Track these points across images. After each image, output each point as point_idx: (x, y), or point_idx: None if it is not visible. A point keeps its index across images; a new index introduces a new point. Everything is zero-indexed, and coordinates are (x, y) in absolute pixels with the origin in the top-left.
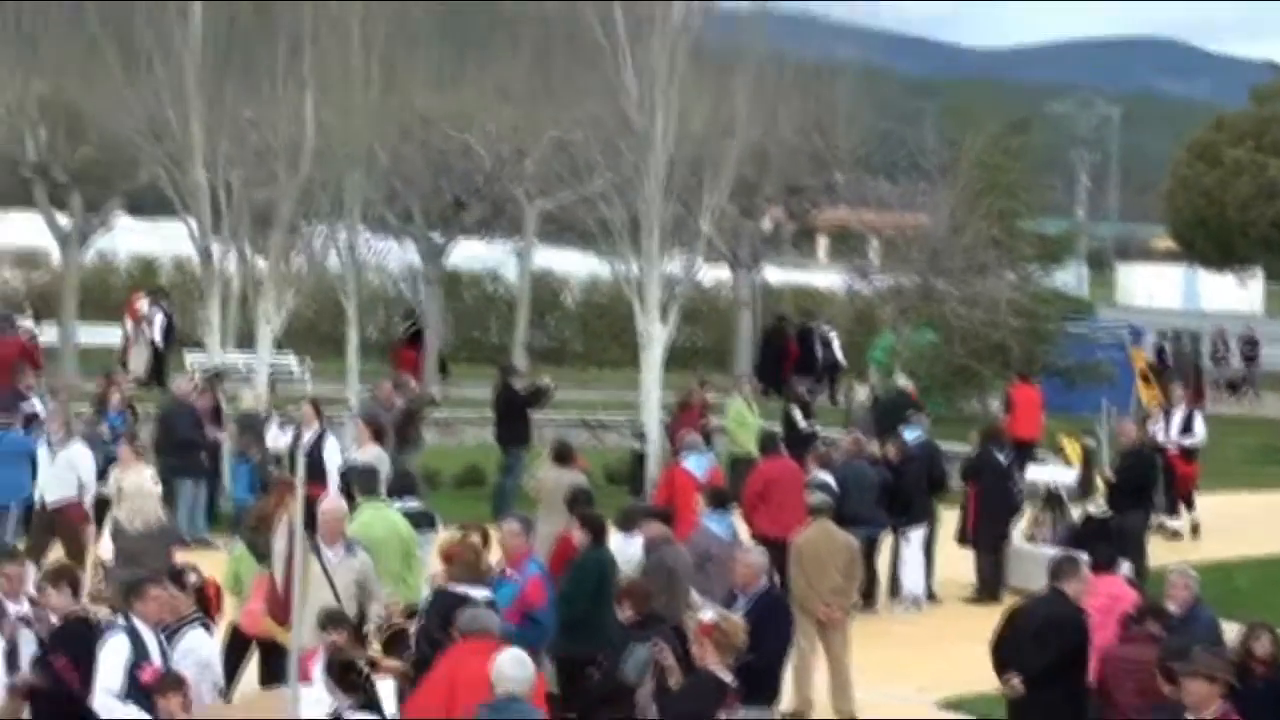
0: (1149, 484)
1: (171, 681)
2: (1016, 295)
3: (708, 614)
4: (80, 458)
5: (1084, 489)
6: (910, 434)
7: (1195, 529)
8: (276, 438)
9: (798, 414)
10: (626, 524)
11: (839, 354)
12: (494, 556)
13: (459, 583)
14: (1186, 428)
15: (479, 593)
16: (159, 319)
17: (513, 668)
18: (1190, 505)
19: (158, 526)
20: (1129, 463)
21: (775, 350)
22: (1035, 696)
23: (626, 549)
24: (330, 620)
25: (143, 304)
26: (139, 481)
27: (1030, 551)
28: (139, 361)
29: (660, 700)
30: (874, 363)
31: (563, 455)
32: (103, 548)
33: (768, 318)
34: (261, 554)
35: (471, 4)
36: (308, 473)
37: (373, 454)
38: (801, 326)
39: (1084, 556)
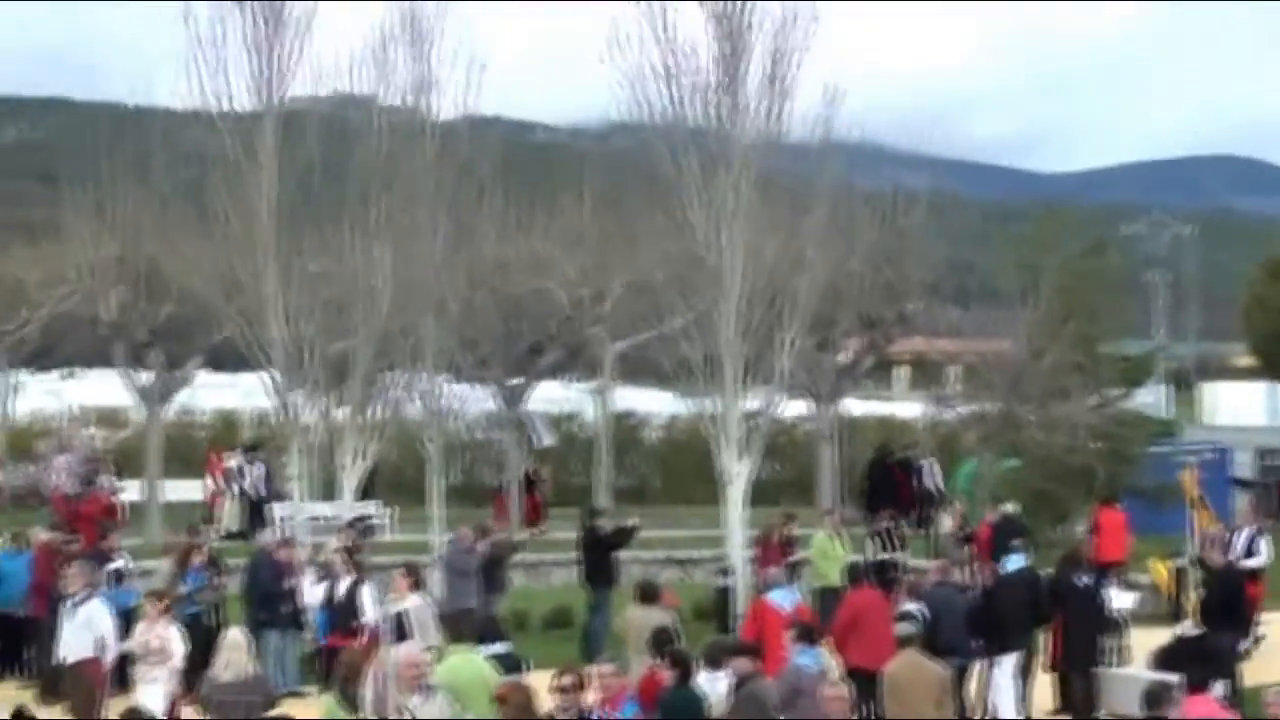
0: (1239, 603)
1: None
2: (1097, 418)
3: None
4: (99, 615)
5: (1175, 610)
6: (1011, 562)
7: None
8: (311, 591)
9: (872, 546)
10: (713, 660)
11: (931, 483)
12: (589, 697)
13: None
14: (1250, 550)
15: None
16: (259, 471)
17: None
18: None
19: (249, 677)
20: (1219, 582)
21: (881, 480)
22: None
23: (714, 686)
24: None
25: (233, 459)
26: (165, 636)
27: (1119, 674)
28: (231, 516)
29: None
30: (959, 490)
31: (648, 594)
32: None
33: (858, 450)
34: (351, 701)
35: (537, 148)
36: (343, 623)
37: (412, 603)
38: (903, 458)
39: (1175, 678)
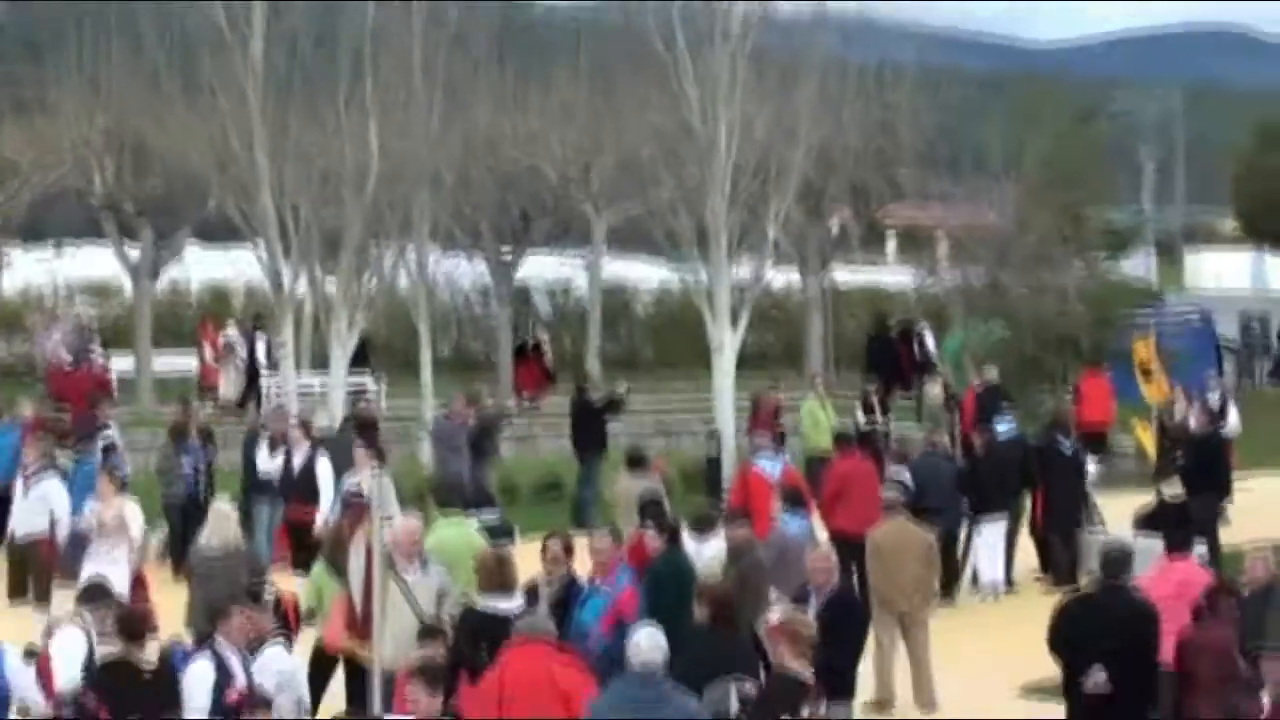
0: (1219, 467)
1: (256, 702)
2: (1083, 285)
3: (775, 614)
4: (54, 492)
5: (1159, 472)
6: (1002, 427)
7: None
8: (266, 460)
9: (859, 413)
10: (701, 527)
11: (932, 352)
12: (581, 567)
13: (486, 594)
14: (1221, 413)
15: (507, 604)
16: (260, 344)
17: (650, 643)
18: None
19: (234, 547)
20: (1198, 446)
21: (884, 352)
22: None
23: (702, 552)
24: (428, 634)
25: (231, 331)
26: (121, 513)
27: (1100, 538)
28: (230, 386)
29: (746, 710)
30: (945, 359)
31: (636, 461)
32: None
33: (846, 319)
34: (341, 572)
35: (529, 23)
36: (302, 494)
37: (371, 473)
38: (904, 327)
39: (1157, 539)
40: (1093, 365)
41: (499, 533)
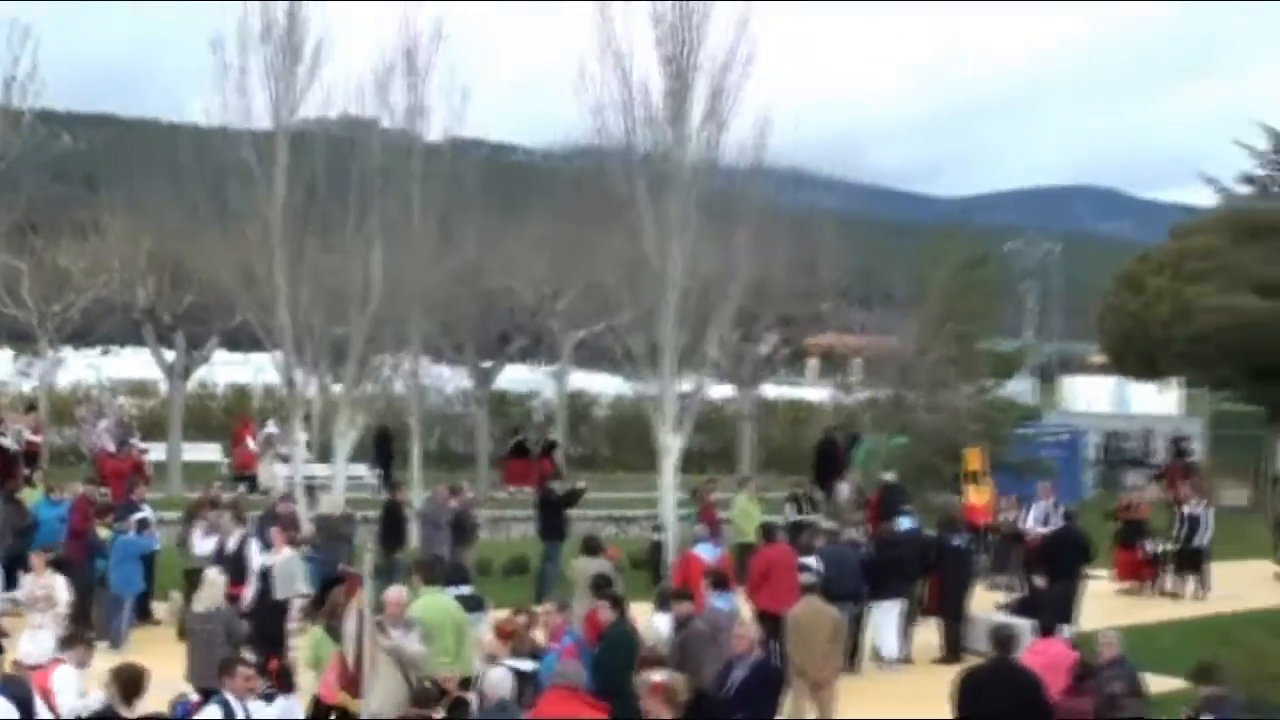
0: (1075, 560)
1: None
2: (974, 404)
3: (658, 675)
4: None
5: (1027, 565)
6: (904, 522)
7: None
8: (201, 543)
9: (788, 509)
10: (663, 602)
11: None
12: (539, 634)
13: (511, 657)
14: (1047, 520)
15: (526, 665)
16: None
17: (499, 680)
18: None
19: (218, 610)
20: (1057, 541)
21: (827, 457)
22: None
23: (663, 623)
24: (421, 699)
25: (272, 427)
26: (50, 586)
27: (983, 619)
28: (267, 474)
29: None
30: (857, 463)
31: (591, 547)
32: None
33: (773, 427)
34: (336, 634)
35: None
36: (232, 574)
37: (285, 555)
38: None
39: (1028, 623)
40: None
41: (472, 604)
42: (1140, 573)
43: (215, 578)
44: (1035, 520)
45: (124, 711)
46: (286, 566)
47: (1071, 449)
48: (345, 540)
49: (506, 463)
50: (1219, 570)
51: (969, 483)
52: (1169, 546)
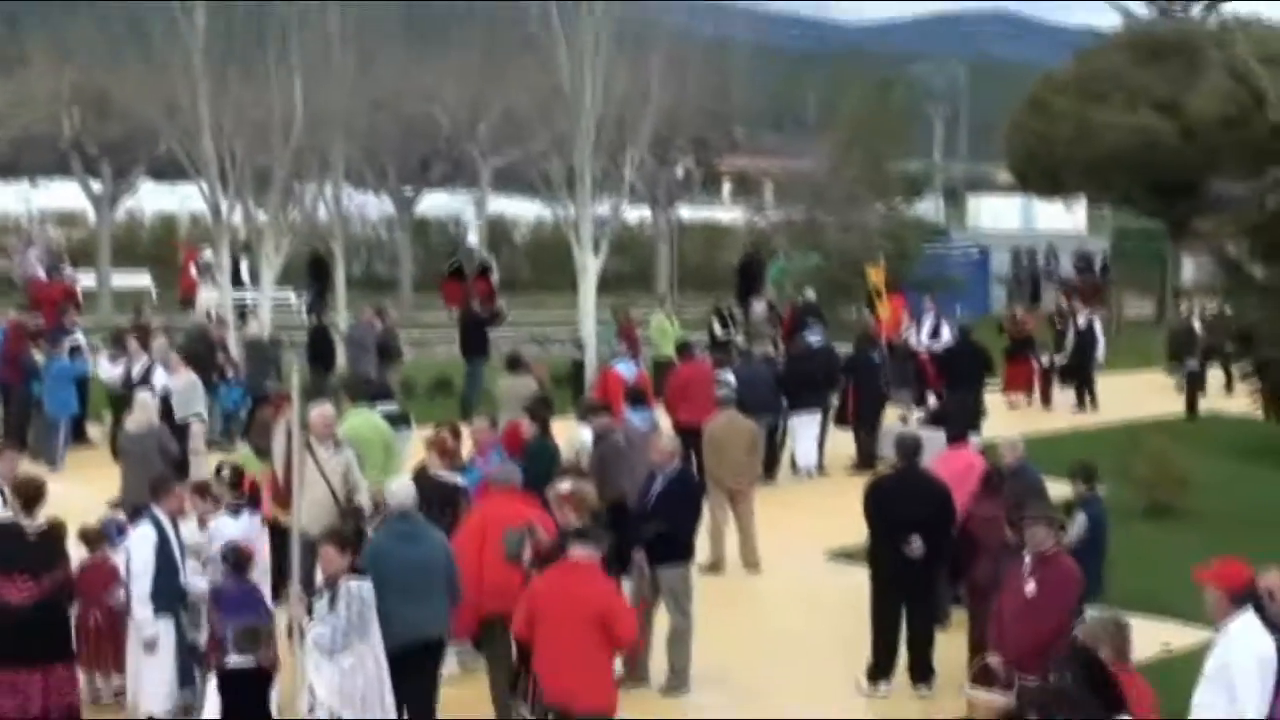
0: (975, 371)
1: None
2: (884, 223)
3: (565, 485)
4: None
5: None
6: (812, 337)
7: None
8: (108, 369)
9: (716, 325)
10: (584, 416)
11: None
12: (465, 449)
13: (439, 470)
14: (935, 333)
15: (456, 478)
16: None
17: (403, 491)
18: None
19: (150, 431)
20: (955, 354)
21: (748, 276)
22: (881, 548)
23: (585, 436)
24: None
25: (209, 253)
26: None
27: (894, 429)
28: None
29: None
30: (770, 282)
31: (514, 364)
32: None
33: (688, 248)
34: (261, 453)
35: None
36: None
37: (184, 379)
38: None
39: (939, 432)
40: (892, 291)
41: (398, 420)
42: (1028, 386)
43: (147, 399)
44: (926, 335)
45: (24, 520)
46: (185, 390)
47: (980, 266)
48: (272, 363)
49: (444, 285)
50: (1118, 380)
51: (875, 298)
52: (1059, 359)
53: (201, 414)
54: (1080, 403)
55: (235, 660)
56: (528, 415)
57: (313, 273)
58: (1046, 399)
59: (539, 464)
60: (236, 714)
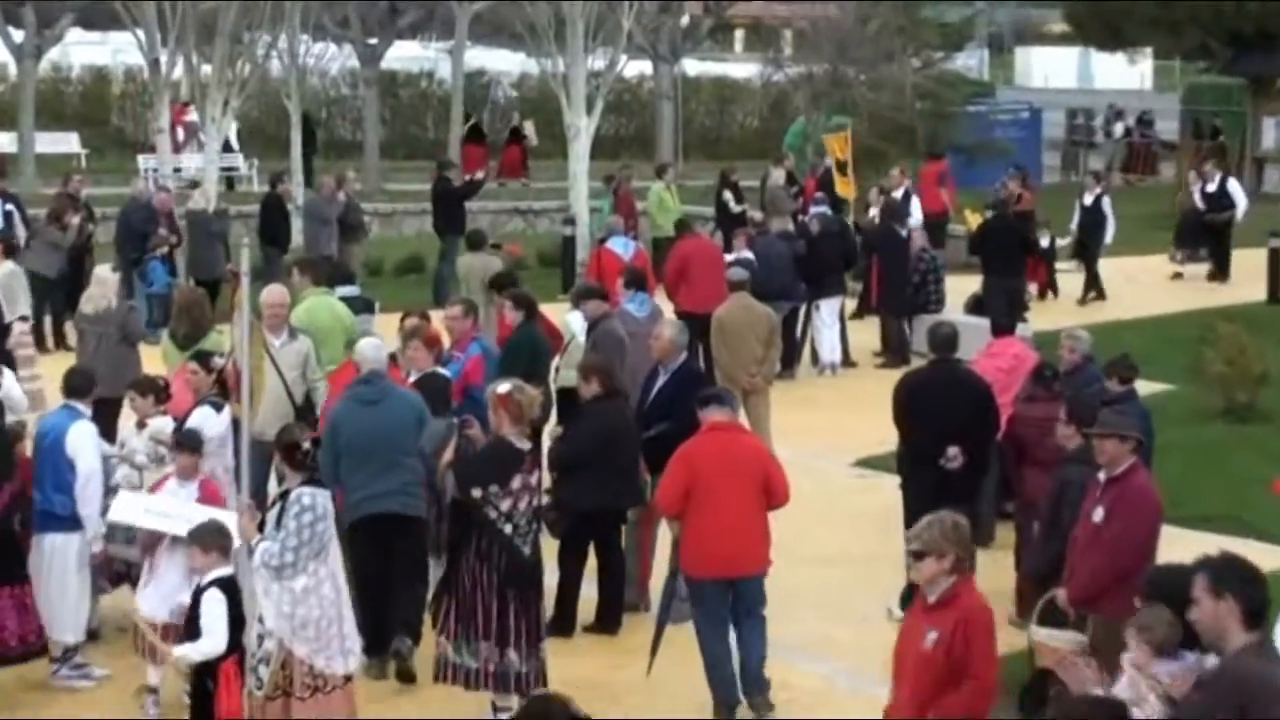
0: (1016, 251)
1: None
2: (920, 79)
3: (504, 385)
4: None
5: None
6: (816, 209)
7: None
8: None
9: (729, 196)
10: (578, 300)
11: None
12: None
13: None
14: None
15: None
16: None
17: (372, 350)
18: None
19: (109, 311)
20: (993, 232)
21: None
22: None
23: (579, 322)
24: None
25: (194, 116)
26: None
27: (932, 319)
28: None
29: (455, 467)
30: (788, 146)
31: (475, 241)
32: None
33: (695, 107)
34: (180, 343)
35: None
36: None
37: (4, 270)
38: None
39: (983, 321)
40: (930, 154)
41: (361, 305)
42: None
43: (105, 275)
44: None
45: None
46: (6, 282)
47: (1030, 128)
48: (218, 238)
49: (463, 150)
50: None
51: (837, 173)
52: (1062, 241)
53: (23, 313)
54: (1093, 289)
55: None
56: (505, 298)
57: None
58: (1044, 290)
59: (519, 356)
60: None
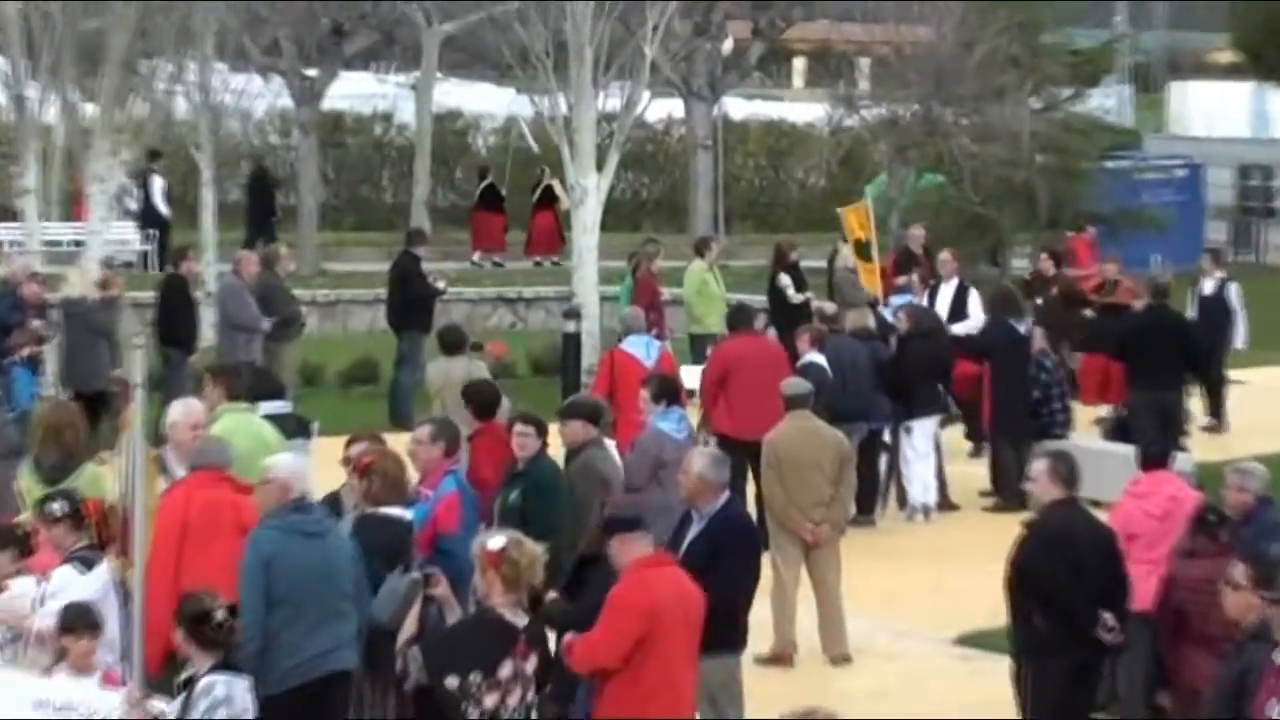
0: (1173, 356)
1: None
2: (1041, 124)
3: (496, 539)
4: None
5: None
6: (898, 300)
7: None
8: None
9: (786, 281)
10: (562, 417)
11: None
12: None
13: (381, 505)
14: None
15: (409, 515)
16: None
17: (296, 466)
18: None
19: None
20: (1143, 330)
21: None
22: (1062, 631)
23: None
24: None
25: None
26: None
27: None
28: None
29: (425, 644)
30: None
31: (451, 340)
32: None
33: (743, 161)
34: (52, 475)
35: None
36: None
37: None
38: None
39: (1127, 449)
40: (1079, 226)
41: (294, 427)
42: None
43: None
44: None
45: None
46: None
47: (1189, 190)
48: (102, 336)
49: (474, 219)
50: None
51: (856, 257)
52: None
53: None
54: (1212, 413)
55: None
56: (517, 421)
57: (255, 196)
58: (1214, 409)
59: (541, 498)
60: None
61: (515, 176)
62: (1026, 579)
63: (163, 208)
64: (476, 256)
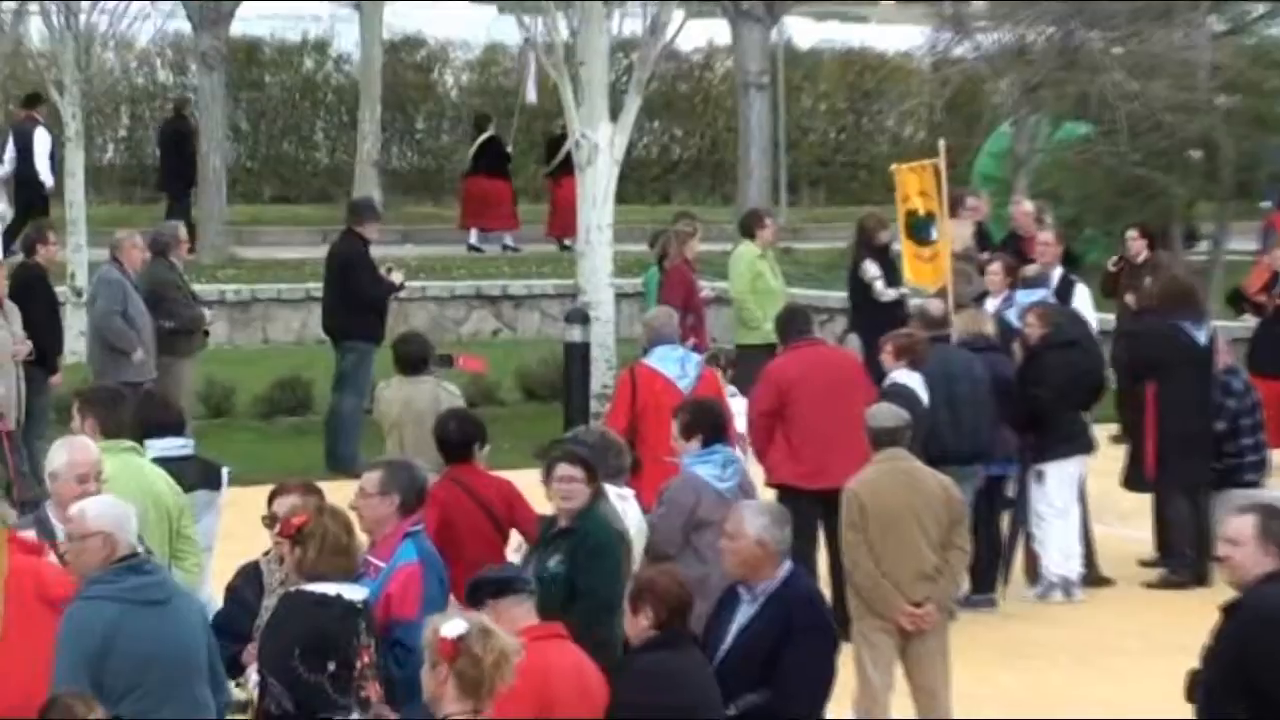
0: None
1: None
2: (1227, 55)
3: (455, 624)
4: None
5: None
6: (1028, 297)
7: None
8: None
9: (874, 271)
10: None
11: None
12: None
13: (319, 579)
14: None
15: (355, 593)
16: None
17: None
18: None
19: None
20: None
21: None
22: None
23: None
24: None
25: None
26: None
27: (1251, 497)
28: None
29: None
30: (979, 177)
31: (412, 358)
32: None
33: (811, 105)
34: None
35: None
36: None
37: None
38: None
39: None
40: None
41: (198, 475)
42: None
43: None
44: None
45: None
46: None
47: None
48: None
49: (468, 187)
50: None
51: (907, 237)
52: None
53: None
54: None
55: None
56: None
57: (169, 150)
58: None
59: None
60: None
61: (505, 131)
62: (1237, 684)
63: (45, 174)
64: (474, 238)
